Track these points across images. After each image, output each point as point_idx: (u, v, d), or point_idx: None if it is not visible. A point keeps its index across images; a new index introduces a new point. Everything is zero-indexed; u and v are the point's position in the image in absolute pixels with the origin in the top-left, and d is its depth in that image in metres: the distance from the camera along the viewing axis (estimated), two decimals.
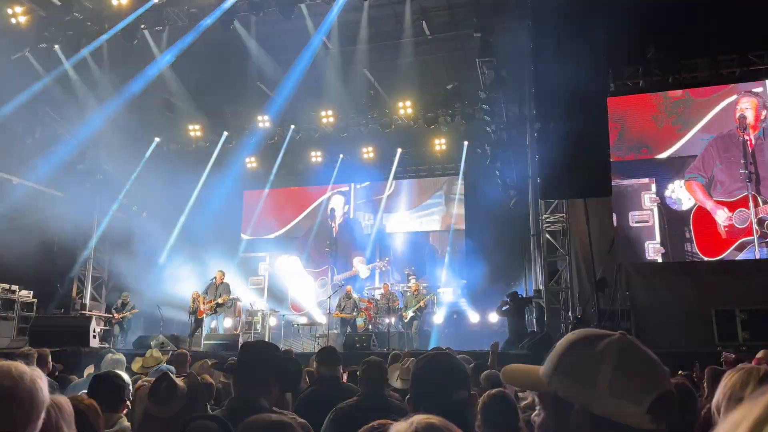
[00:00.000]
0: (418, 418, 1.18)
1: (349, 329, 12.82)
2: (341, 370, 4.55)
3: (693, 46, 11.35)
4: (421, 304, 12.81)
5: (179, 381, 2.75)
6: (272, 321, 14.65)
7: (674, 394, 1.02)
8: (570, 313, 11.38)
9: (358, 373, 3.74)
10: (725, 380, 1.79)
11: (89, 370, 4.90)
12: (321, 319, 14.81)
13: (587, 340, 1.07)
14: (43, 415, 1.47)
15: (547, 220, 12.03)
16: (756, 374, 1.75)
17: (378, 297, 13.98)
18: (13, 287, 12.71)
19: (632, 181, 11.95)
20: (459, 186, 16.18)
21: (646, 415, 0.98)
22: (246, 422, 1.73)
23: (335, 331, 12.88)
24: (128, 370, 5.13)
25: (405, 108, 14.19)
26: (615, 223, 11.71)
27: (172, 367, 4.24)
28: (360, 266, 16.57)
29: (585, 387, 1.03)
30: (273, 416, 1.82)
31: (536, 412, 1.14)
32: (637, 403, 0.99)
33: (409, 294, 13.39)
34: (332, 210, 17.25)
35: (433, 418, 1.19)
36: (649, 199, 11.83)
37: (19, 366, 1.44)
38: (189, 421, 1.36)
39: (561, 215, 11.92)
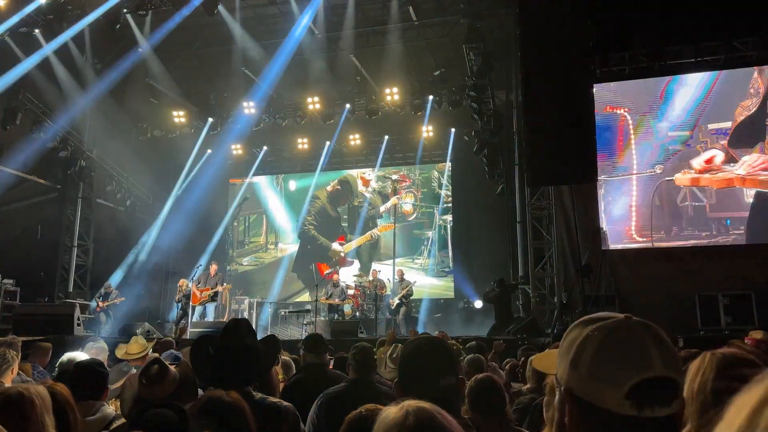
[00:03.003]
0: (409, 403, 1.16)
1: (336, 316, 12.81)
2: (328, 358, 4.52)
3: (678, 33, 11.37)
4: (406, 291, 12.84)
5: (171, 366, 2.75)
6: (259, 309, 14.59)
7: (666, 380, 0.95)
8: (555, 299, 11.45)
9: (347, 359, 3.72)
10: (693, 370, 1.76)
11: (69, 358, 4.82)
12: (308, 305, 14.79)
13: (586, 321, 1.04)
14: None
15: (534, 206, 12.06)
16: (712, 359, 1.72)
17: (365, 284, 13.98)
18: None
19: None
20: (446, 173, 16.15)
21: (625, 400, 0.93)
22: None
23: (323, 318, 12.85)
24: (112, 357, 5.06)
25: (392, 95, 14.09)
26: (601, 209, 11.75)
27: (179, 353, 4.18)
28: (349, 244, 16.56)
29: (570, 368, 1.00)
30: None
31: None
32: (616, 386, 0.94)
33: (395, 281, 13.40)
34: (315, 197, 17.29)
35: (424, 404, 1.17)
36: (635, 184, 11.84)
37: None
38: (144, 410, 1.31)
39: (547, 202, 11.95)
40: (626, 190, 11.69)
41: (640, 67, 11.99)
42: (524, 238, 12.44)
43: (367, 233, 16.37)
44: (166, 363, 2.77)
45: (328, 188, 17.19)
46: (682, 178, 11.33)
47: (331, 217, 17.12)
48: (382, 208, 16.57)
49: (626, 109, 11.94)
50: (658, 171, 11.50)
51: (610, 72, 12.15)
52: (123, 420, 2.65)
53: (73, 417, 2.22)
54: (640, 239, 11.48)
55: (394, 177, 16.60)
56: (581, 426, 0.99)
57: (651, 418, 0.94)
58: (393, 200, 16.13)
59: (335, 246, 16.62)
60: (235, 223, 17.58)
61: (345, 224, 16.99)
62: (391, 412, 1.15)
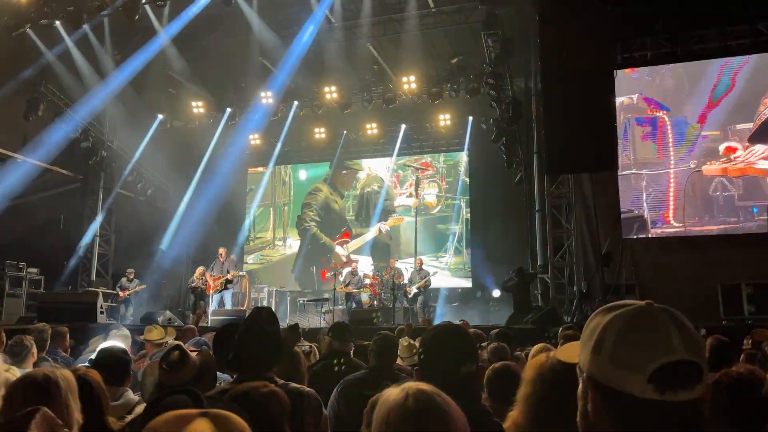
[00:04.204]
0: (410, 384, 1.18)
1: (354, 305, 12.87)
2: (351, 346, 4.57)
3: (702, 17, 11.13)
4: (425, 281, 12.86)
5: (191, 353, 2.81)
6: (278, 297, 14.73)
7: (689, 363, 0.95)
8: (575, 288, 11.38)
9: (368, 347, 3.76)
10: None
11: (97, 342, 4.92)
12: (326, 294, 14.88)
13: (607, 309, 1.04)
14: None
15: (553, 195, 11.98)
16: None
17: (383, 273, 14.03)
18: (21, 264, 12.80)
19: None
20: (463, 162, 16.07)
21: (648, 384, 0.93)
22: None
23: (340, 307, 12.93)
24: (134, 344, 5.16)
25: (409, 83, 14.02)
26: (621, 197, 11.66)
27: (206, 340, 4.26)
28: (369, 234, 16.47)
29: (592, 354, 1.00)
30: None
31: None
32: (638, 371, 0.94)
33: (413, 270, 13.42)
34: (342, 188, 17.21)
35: (425, 386, 1.19)
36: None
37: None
38: (161, 397, 1.34)
39: (567, 190, 11.87)
40: (663, 182, 11.78)
41: (662, 53, 11.79)
42: (543, 226, 12.36)
43: (374, 227, 16.13)
44: (187, 350, 2.82)
45: (329, 176, 17.01)
46: (709, 168, 11.47)
47: (333, 211, 16.78)
48: (398, 201, 16.28)
49: (665, 113, 12.01)
50: (692, 165, 11.63)
51: (631, 58, 11.96)
52: (143, 405, 2.70)
53: (106, 403, 2.28)
54: (677, 224, 11.54)
55: (416, 165, 16.36)
56: (604, 412, 0.99)
57: (674, 403, 0.94)
58: (413, 201, 15.63)
59: (338, 250, 16.26)
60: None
61: (351, 217, 16.74)
62: (392, 393, 1.17)
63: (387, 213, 16.30)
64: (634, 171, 11.96)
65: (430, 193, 16.16)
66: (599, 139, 9.57)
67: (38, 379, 2.01)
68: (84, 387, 2.24)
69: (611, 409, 0.98)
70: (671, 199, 11.72)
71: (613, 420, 0.98)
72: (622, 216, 11.62)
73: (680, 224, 11.54)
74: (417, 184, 15.93)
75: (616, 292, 9.95)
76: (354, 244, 16.25)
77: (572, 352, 1.15)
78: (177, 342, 3.68)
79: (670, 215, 11.66)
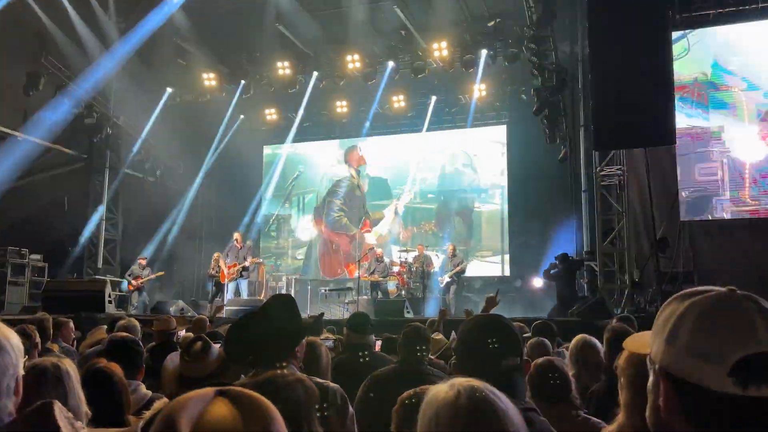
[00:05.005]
0: (460, 380, 1.18)
1: (380, 295, 12.92)
2: (374, 338, 4.57)
3: None
4: (459, 268, 12.83)
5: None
6: (297, 286, 14.86)
7: None
8: (626, 277, 11.27)
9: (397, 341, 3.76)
10: None
11: (99, 333, 5.01)
12: (349, 283, 14.95)
13: (684, 296, 1.04)
14: None
15: (602, 173, 11.83)
16: None
17: (411, 260, 14.01)
18: (23, 251, 13.07)
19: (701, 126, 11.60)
20: (501, 137, 15.91)
21: (727, 377, 0.92)
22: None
23: (365, 297, 13.00)
24: (144, 336, 5.24)
25: (440, 50, 13.87)
26: (679, 176, 11.45)
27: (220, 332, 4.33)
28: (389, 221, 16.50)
29: (665, 344, 1.00)
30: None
31: None
32: (717, 363, 0.93)
33: (444, 257, 13.39)
34: (360, 165, 17.19)
35: (476, 381, 1.19)
36: (718, 150, 11.52)
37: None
38: (275, 381, 1.37)
39: (617, 168, 11.70)
40: (740, 161, 11.57)
41: (727, 12, 11.44)
42: (591, 208, 12.27)
43: (390, 206, 16.03)
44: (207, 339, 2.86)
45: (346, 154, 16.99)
46: None
47: (357, 199, 16.82)
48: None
49: (739, 88, 11.73)
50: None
51: (691, 18, 11.64)
52: (164, 400, 2.74)
53: (127, 398, 2.32)
54: (752, 202, 11.36)
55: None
56: (678, 407, 0.98)
57: (757, 399, 0.92)
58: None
59: (370, 240, 16.08)
60: None
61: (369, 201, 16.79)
62: (440, 390, 1.17)
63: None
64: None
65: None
66: (655, 110, 9.36)
67: (48, 368, 2.05)
68: (104, 381, 2.29)
69: (685, 403, 0.97)
70: (746, 175, 11.47)
71: (686, 416, 0.97)
72: (681, 196, 11.42)
73: (755, 203, 11.32)
74: None
75: (673, 281, 9.79)
76: (379, 233, 16.29)
77: (642, 342, 1.15)
78: (189, 335, 3.73)
79: (746, 194, 11.47)
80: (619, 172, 11.71)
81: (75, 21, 13.55)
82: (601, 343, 3.77)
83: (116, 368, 2.45)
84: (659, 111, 9.40)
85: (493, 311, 4.53)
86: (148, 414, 2.67)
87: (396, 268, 13.66)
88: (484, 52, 13.68)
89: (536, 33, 12.10)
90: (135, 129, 15.72)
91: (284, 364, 2.34)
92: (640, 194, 11.39)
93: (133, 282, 13.39)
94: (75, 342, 5.80)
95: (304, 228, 17.34)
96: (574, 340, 3.91)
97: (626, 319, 5.23)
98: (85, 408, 2.02)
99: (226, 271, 12.74)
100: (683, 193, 11.55)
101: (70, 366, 2.11)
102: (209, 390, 0.89)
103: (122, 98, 15.39)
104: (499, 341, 1.96)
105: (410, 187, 16.32)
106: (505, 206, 15.58)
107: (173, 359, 2.95)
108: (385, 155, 17.09)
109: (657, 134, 9.63)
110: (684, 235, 10.85)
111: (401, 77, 14.86)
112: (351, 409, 2.52)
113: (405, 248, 14.43)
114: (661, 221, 10.87)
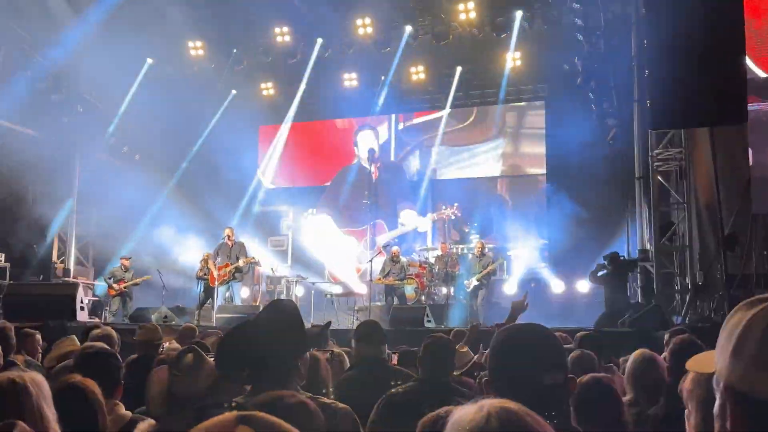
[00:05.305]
0: (490, 402, 1.17)
1: (396, 300, 12.94)
2: (387, 350, 4.58)
3: None
4: (489, 269, 12.79)
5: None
6: (299, 290, 14.91)
7: None
8: (687, 280, 11.22)
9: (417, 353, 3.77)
10: None
11: (69, 344, 5.04)
12: (360, 288, 14.97)
13: (751, 302, 1.07)
14: None
15: (659, 157, 11.79)
16: None
17: (433, 260, 14.01)
18: None
19: None
20: (539, 115, 15.86)
21: None
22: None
23: (379, 304, 13.02)
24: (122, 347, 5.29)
25: (466, 12, 13.86)
26: (751, 161, 11.34)
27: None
28: (413, 220, 16.50)
29: (732, 359, 1.03)
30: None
31: None
32: None
33: (471, 257, 13.37)
34: (371, 150, 17.17)
35: (510, 403, 1.18)
36: None
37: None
38: (272, 404, 1.38)
39: (678, 151, 11.64)
40: None
41: None
42: (646, 199, 12.21)
43: (426, 219, 16.05)
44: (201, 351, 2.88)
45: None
46: None
47: (370, 188, 16.67)
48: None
49: None
50: None
51: None
52: (149, 422, 2.75)
53: (103, 419, 2.34)
54: None
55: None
56: (746, 429, 1.01)
57: None
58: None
59: (382, 238, 16.09)
60: None
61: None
62: (468, 412, 1.16)
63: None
64: None
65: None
66: (723, 83, 9.31)
67: (2, 384, 2.07)
68: (78, 398, 2.30)
69: (755, 424, 1.00)
70: None
71: None
72: (755, 184, 11.32)
73: None
74: None
75: (744, 284, 9.72)
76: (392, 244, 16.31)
77: (707, 361, 1.18)
78: (177, 346, 3.74)
79: None
80: (679, 155, 11.67)
81: None
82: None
83: (92, 384, 2.47)
84: (727, 85, 9.34)
85: (520, 319, 4.51)
86: None
87: (415, 269, 13.66)
88: (519, 14, 13.66)
89: None
90: (110, 107, 15.80)
91: (284, 382, 2.34)
92: (705, 182, 11.32)
93: (115, 286, 13.45)
94: (40, 355, 5.85)
95: (307, 223, 17.39)
96: (632, 356, 3.83)
97: (682, 333, 5.20)
98: (54, 427, 2.04)
99: (216, 272, 12.79)
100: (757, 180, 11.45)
101: (32, 380, 2.12)
102: (230, 416, 0.91)
103: (95, 71, 15.40)
104: (539, 354, 1.95)
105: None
106: (543, 196, 15.53)
107: (159, 375, 2.97)
108: (402, 136, 17.07)
109: (725, 112, 9.57)
110: (757, 231, 10.75)
111: (420, 45, 14.86)
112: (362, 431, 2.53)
113: (425, 247, 14.42)
114: (730, 214, 10.80)
